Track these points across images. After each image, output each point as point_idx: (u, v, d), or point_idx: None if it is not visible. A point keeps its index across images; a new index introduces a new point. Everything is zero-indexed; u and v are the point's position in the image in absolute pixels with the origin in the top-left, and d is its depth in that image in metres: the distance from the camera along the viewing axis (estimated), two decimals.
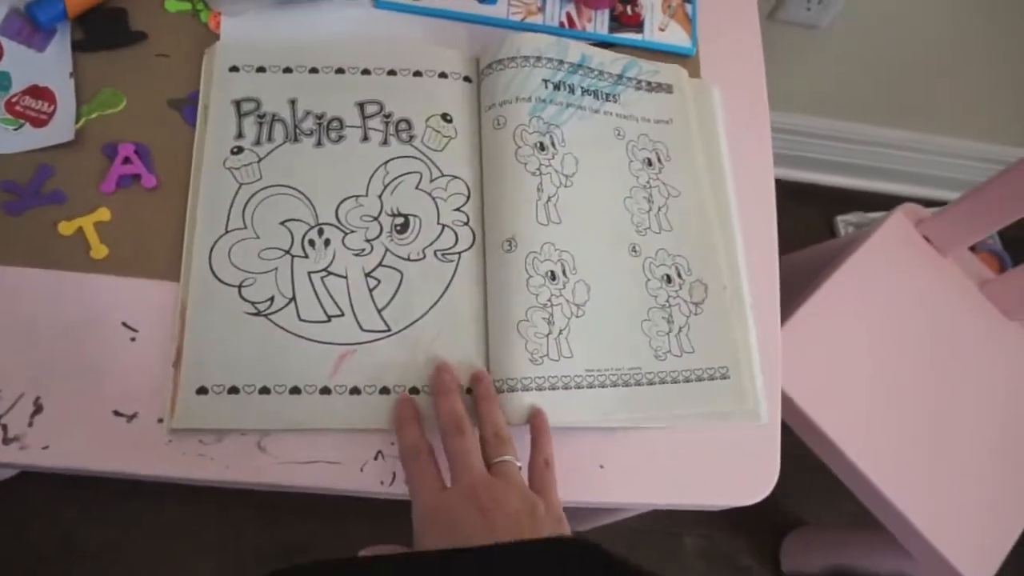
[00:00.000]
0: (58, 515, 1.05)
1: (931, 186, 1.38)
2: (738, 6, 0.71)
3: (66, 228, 0.52)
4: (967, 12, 1.00)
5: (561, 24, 0.66)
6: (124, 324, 0.50)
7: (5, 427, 0.47)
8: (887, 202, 1.36)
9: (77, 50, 0.58)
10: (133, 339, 0.50)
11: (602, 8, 0.66)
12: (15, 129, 0.54)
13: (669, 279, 0.56)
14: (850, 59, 1.09)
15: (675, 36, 0.67)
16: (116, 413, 0.48)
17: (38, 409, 0.47)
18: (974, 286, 0.92)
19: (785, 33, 1.02)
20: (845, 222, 1.37)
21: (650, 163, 0.60)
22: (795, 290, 0.89)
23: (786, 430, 0.62)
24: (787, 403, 0.81)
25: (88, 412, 0.48)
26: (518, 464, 0.45)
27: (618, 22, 0.67)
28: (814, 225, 1.38)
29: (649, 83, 0.63)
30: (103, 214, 0.53)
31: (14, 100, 0.55)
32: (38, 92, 0.56)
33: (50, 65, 0.57)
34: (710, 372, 0.55)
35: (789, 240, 0.88)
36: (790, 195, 1.35)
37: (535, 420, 0.49)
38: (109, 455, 0.47)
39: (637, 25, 0.67)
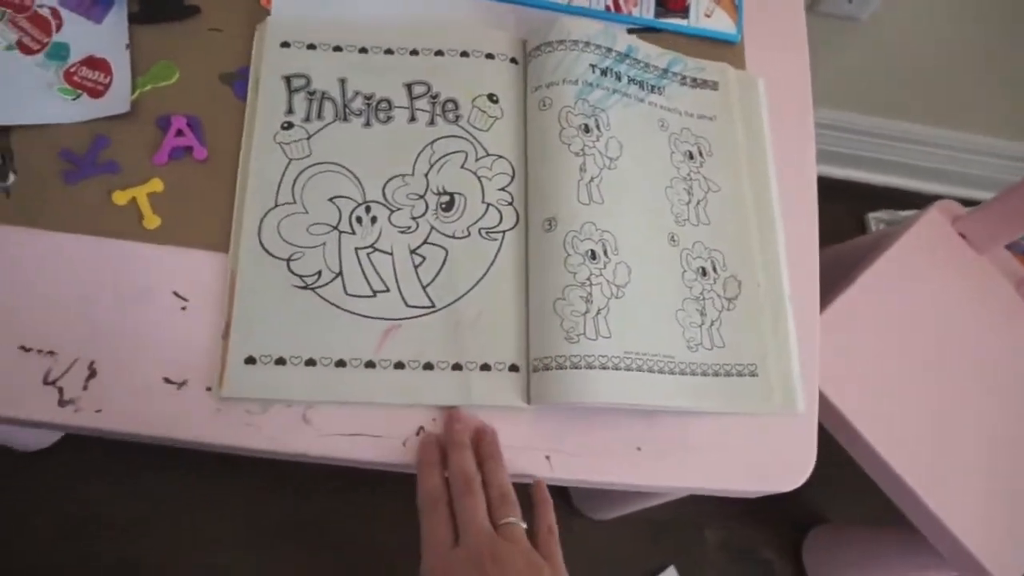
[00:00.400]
0: (88, 487, 1.07)
1: (965, 185, 1.36)
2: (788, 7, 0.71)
3: (120, 198, 0.53)
4: (1008, 8, 0.98)
5: (607, 8, 0.66)
6: (175, 293, 0.51)
7: (61, 390, 0.48)
8: (919, 200, 1.34)
9: (133, 22, 0.59)
10: (184, 308, 0.51)
11: None
12: (73, 99, 0.55)
13: (704, 272, 0.56)
14: (888, 54, 1.08)
15: (720, 22, 0.67)
16: (166, 380, 0.49)
17: (92, 373, 0.48)
18: (1010, 285, 0.91)
19: (824, 26, 1.01)
20: (876, 219, 1.36)
21: (691, 156, 0.60)
22: (827, 285, 0.89)
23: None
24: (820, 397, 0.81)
25: (140, 378, 0.49)
26: (523, 526, 0.46)
27: (664, 7, 0.66)
28: (844, 222, 1.37)
29: (694, 79, 0.63)
30: (156, 185, 0.54)
31: (72, 70, 0.56)
32: (95, 63, 0.57)
33: (107, 37, 0.58)
34: (739, 368, 0.55)
35: (819, 235, 0.88)
36: (821, 190, 1.35)
37: (536, 489, 0.50)
38: (158, 421, 0.48)
39: (683, 10, 0.66)
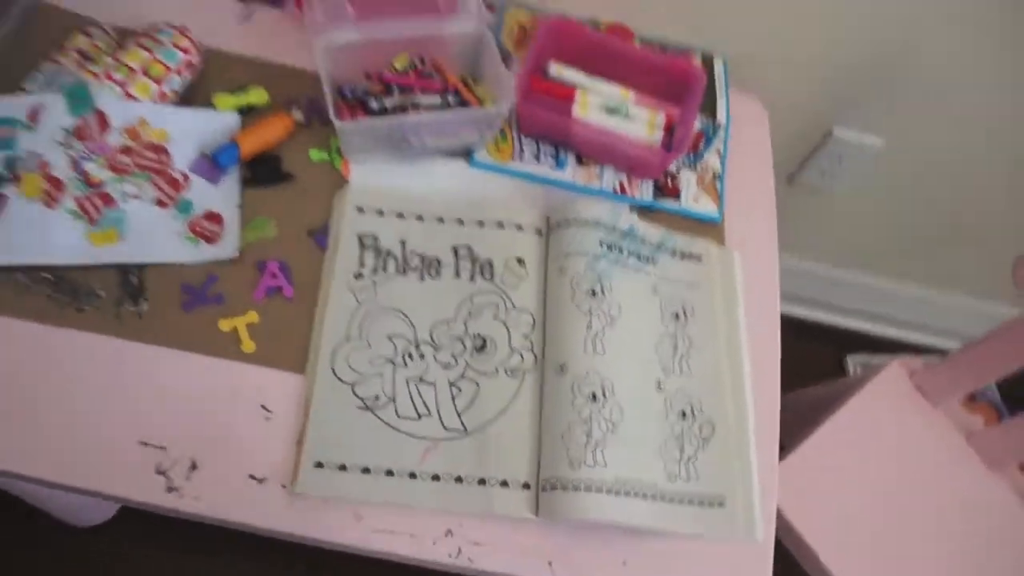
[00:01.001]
0: (141, 562, 1.15)
1: (941, 335, 1.50)
2: (758, 179, 0.87)
3: (224, 325, 0.67)
4: (967, 175, 1.13)
5: (614, 189, 0.82)
6: (263, 406, 0.65)
7: (169, 479, 0.60)
8: (896, 347, 1.49)
9: (243, 185, 0.75)
10: (268, 419, 0.64)
11: (648, 179, 0.82)
12: (194, 245, 0.70)
13: (684, 415, 0.69)
14: (858, 220, 1.24)
15: (705, 206, 0.83)
16: (251, 476, 0.62)
17: (194, 467, 0.61)
18: (961, 437, 1.03)
19: (803, 195, 1.18)
20: (855, 361, 1.49)
21: (677, 317, 0.74)
22: (804, 423, 1.01)
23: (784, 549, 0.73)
24: (784, 524, 0.92)
25: (231, 473, 0.62)
26: None
27: (660, 191, 0.82)
28: (828, 361, 1.50)
29: (683, 253, 0.78)
30: (252, 316, 0.68)
31: (195, 222, 0.72)
32: (212, 217, 0.72)
33: (222, 196, 0.74)
34: (710, 499, 0.67)
35: (802, 374, 1.00)
36: (806, 332, 1.49)
37: None
38: (243, 510, 0.61)
39: (675, 195, 0.82)
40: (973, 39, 0.90)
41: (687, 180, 0.83)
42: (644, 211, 0.81)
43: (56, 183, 0.69)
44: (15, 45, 0.79)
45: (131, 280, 0.68)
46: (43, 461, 0.60)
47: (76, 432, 0.61)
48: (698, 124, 0.86)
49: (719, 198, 0.84)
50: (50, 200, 0.69)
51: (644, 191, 0.82)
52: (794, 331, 1.41)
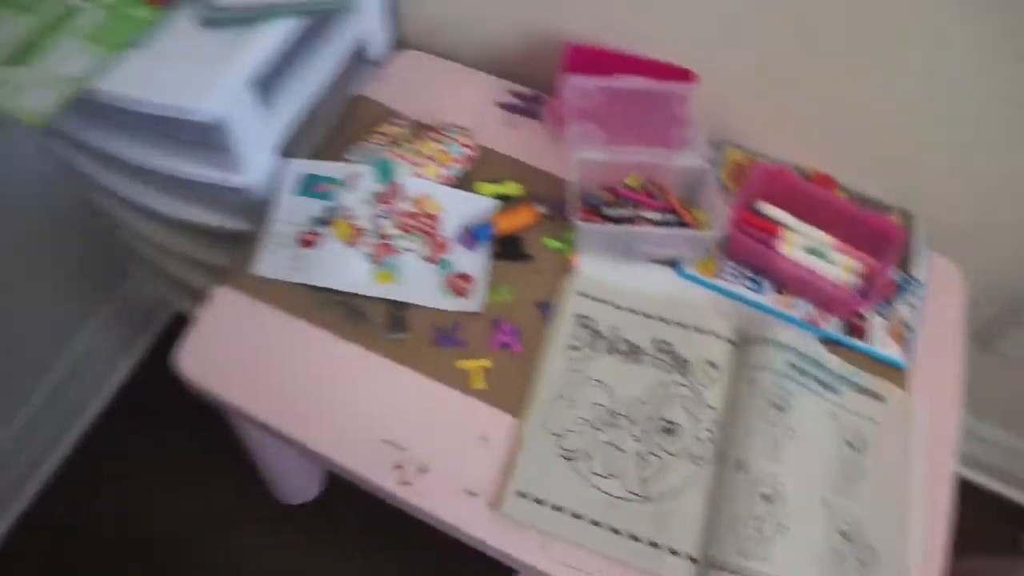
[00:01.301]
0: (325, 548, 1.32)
1: None
2: (948, 339, 0.92)
3: (462, 364, 0.83)
4: None
5: (805, 319, 0.91)
6: (482, 436, 0.78)
7: (403, 474, 0.74)
8: None
9: (492, 257, 0.91)
10: (485, 447, 0.77)
11: (838, 316, 0.91)
12: (449, 296, 0.87)
13: (845, 535, 0.75)
14: None
15: (891, 350, 0.89)
16: (466, 490, 0.75)
17: (424, 470, 0.75)
18: None
19: (997, 360, 1.19)
20: None
21: (851, 445, 0.81)
22: None
23: None
24: None
25: (451, 483, 0.75)
26: None
27: (848, 328, 0.90)
28: (1002, 536, 1.43)
29: (865, 389, 0.85)
30: (485, 362, 0.83)
31: (451, 278, 0.89)
32: (465, 276, 0.89)
33: (475, 261, 0.91)
34: None
35: (973, 542, 0.98)
36: (984, 501, 1.43)
37: None
38: (455, 515, 0.73)
39: (862, 335, 0.90)
40: None
41: (876, 324, 0.91)
42: (830, 343, 0.89)
43: (358, 231, 0.89)
44: (340, 125, 1.02)
45: (397, 314, 0.86)
46: (315, 434, 0.77)
47: (343, 418, 0.78)
48: (893, 275, 0.95)
49: (906, 346, 0.90)
50: (352, 242, 0.89)
51: (833, 326, 0.91)
52: (971, 497, 1.40)
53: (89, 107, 0.80)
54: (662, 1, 0.95)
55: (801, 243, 0.91)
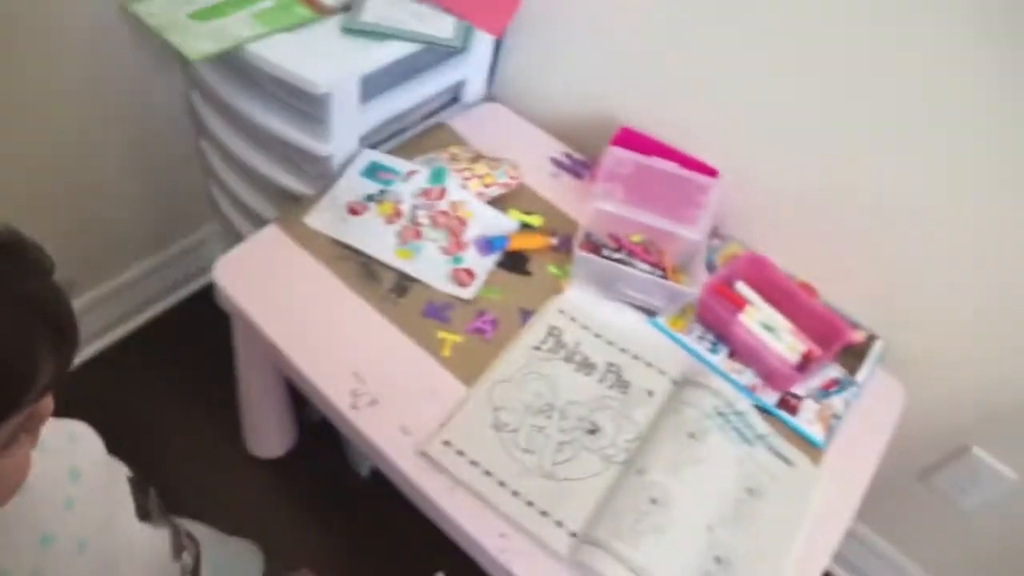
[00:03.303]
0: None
1: None
2: (869, 441, 0.99)
3: (440, 334, 0.98)
4: None
5: (748, 386, 1.01)
6: (433, 391, 0.93)
7: (357, 400, 0.90)
8: None
9: (497, 265, 1.08)
10: (432, 400, 0.92)
11: (778, 390, 1.01)
12: (448, 282, 1.04)
13: (719, 560, 0.83)
14: (988, 544, 1.23)
15: (815, 431, 0.98)
16: (402, 428, 0.89)
17: (374, 401, 0.90)
18: None
19: (933, 497, 1.23)
20: None
21: (750, 492, 0.89)
22: None
23: None
24: None
25: (393, 419, 0.89)
26: None
27: (783, 404, 1.00)
28: None
29: (778, 452, 0.94)
30: (458, 338, 0.98)
31: (457, 271, 1.06)
32: (468, 272, 1.06)
33: (481, 263, 1.07)
34: None
35: None
36: None
37: None
38: (385, 443, 0.87)
39: (793, 412, 0.99)
40: None
41: (808, 407, 1.00)
42: (763, 412, 0.99)
43: (398, 213, 1.09)
44: (419, 138, 1.24)
45: (403, 284, 1.03)
46: (299, 350, 0.93)
47: (327, 346, 0.94)
48: (838, 375, 1.04)
49: (829, 431, 0.98)
50: (389, 221, 1.08)
51: (770, 398, 1.00)
52: None
53: (234, 65, 1.04)
54: (709, 108, 1.13)
55: (759, 318, 1.02)
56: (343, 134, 1.11)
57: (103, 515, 0.60)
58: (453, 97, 1.36)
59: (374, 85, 1.11)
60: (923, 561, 1.36)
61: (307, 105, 1.07)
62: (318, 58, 1.03)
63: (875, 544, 1.40)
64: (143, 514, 0.66)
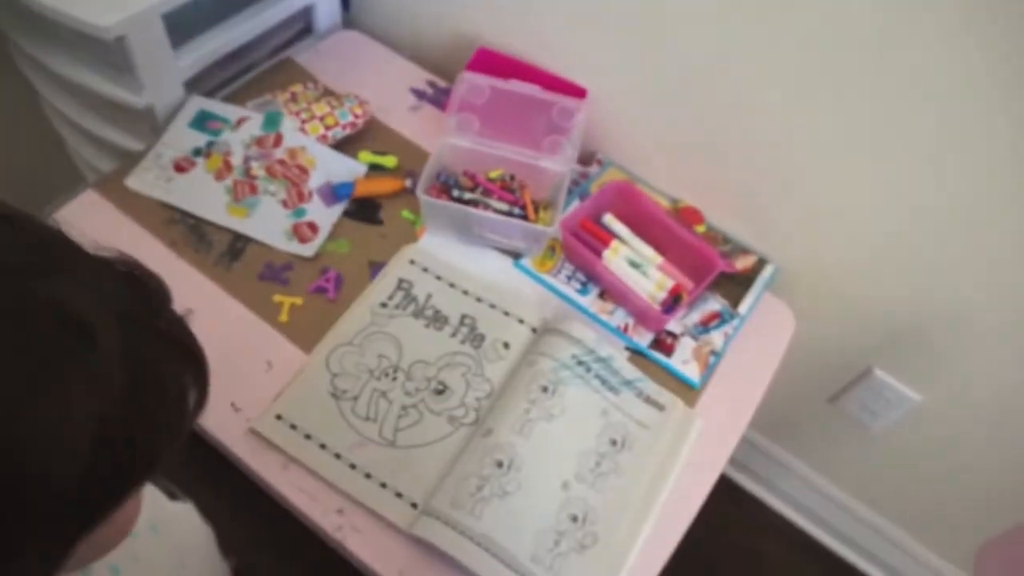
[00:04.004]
0: None
1: None
2: (755, 373, 0.94)
3: (277, 298, 0.90)
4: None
5: (619, 327, 0.95)
6: (268, 362, 0.85)
7: None
8: None
9: (345, 215, 0.99)
10: (267, 372, 0.84)
11: (651, 330, 0.94)
12: (290, 239, 0.95)
13: (575, 519, 0.78)
14: (892, 464, 1.21)
15: (690, 371, 0.92)
16: (233, 405, 0.81)
17: None
18: None
19: (841, 420, 1.20)
20: None
21: (614, 443, 0.84)
22: None
23: None
24: None
25: (224, 396, 0.81)
26: None
27: (657, 344, 0.94)
28: None
29: (648, 397, 0.88)
30: (298, 300, 0.90)
31: (298, 225, 0.96)
32: (312, 226, 0.97)
33: (327, 215, 0.98)
34: None
35: None
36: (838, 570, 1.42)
37: None
38: (214, 423, 0.80)
39: (668, 352, 0.93)
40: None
41: (685, 345, 0.94)
42: (635, 354, 0.93)
43: (228, 167, 0.98)
44: (259, 79, 1.12)
45: (237, 245, 0.94)
46: None
47: None
48: (718, 307, 0.98)
49: (707, 370, 0.93)
50: (219, 176, 0.97)
51: (643, 338, 0.94)
52: (821, 564, 1.38)
53: (29, 14, 0.90)
54: (575, 18, 1.02)
55: (626, 255, 0.95)
56: (158, 81, 0.99)
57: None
58: (305, 27, 1.22)
59: (188, 21, 0.98)
60: (841, 482, 1.34)
61: (108, 52, 0.95)
62: None
63: (793, 465, 1.38)
64: (169, 495, 0.65)
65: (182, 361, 0.41)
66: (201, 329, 0.88)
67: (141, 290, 0.41)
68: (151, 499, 0.59)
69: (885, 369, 1.09)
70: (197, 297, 0.88)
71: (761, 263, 1.04)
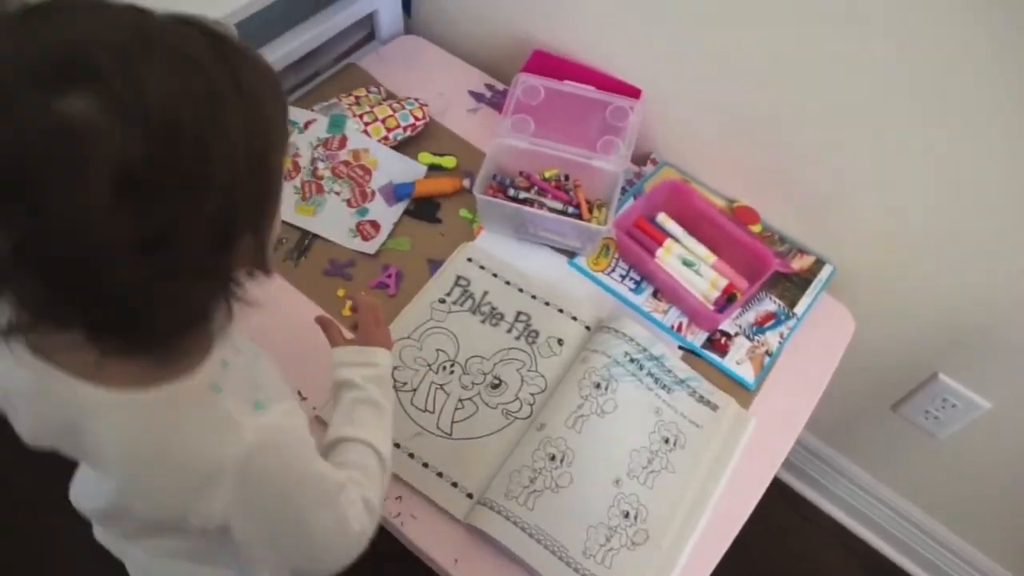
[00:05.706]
0: None
1: None
2: (812, 375, 0.93)
3: (340, 292, 0.94)
4: None
5: (673, 327, 0.95)
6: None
7: None
8: None
9: (405, 213, 1.02)
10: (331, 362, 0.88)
11: (704, 330, 0.95)
12: (353, 236, 0.99)
13: (627, 515, 0.79)
14: (959, 474, 1.18)
15: (744, 372, 0.92)
16: (299, 393, 0.85)
17: None
18: None
19: (905, 427, 1.17)
20: None
21: (667, 441, 0.85)
22: None
23: None
24: None
25: (291, 385, 0.85)
26: None
27: (711, 344, 0.94)
28: None
29: (701, 396, 0.89)
30: (361, 295, 0.93)
31: (361, 223, 1.00)
32: (374, 224, 1.00)
33: (388, 213, 1.01)
34: None
35: None
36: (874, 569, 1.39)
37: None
38: None
39: (723, 352, 0.94)
40: None
41: (739, 345, 0.94)
42: (689, 353, 0.93)
43: (296, 167, 1.02)
44: (325, 83, 1.17)
45: (305, 242, 0.98)
46: None
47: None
48: (774, 308, 0.97)
49: (761, 371, 0.93)
50: (288, 176, 1.02)
51: (697, 338, 0.95)
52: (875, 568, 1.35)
53: None
54: (631, 20, 1.03)
55: (679, 254, 0.96)
56: None
57: None
58: (369, 34, 1.27)
59: (258, 29, 1.03)
60: (905, 492, 1.31)
61: None
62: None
63: (851, 471, 1.36)
64: None
65: (279, 101, 0.50)
66: (271, 321, 0.92)
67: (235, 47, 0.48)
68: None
69: (951, 374, 1.06)
70: (267, 291, 0.92)
71: (819, 264, 1.03)
